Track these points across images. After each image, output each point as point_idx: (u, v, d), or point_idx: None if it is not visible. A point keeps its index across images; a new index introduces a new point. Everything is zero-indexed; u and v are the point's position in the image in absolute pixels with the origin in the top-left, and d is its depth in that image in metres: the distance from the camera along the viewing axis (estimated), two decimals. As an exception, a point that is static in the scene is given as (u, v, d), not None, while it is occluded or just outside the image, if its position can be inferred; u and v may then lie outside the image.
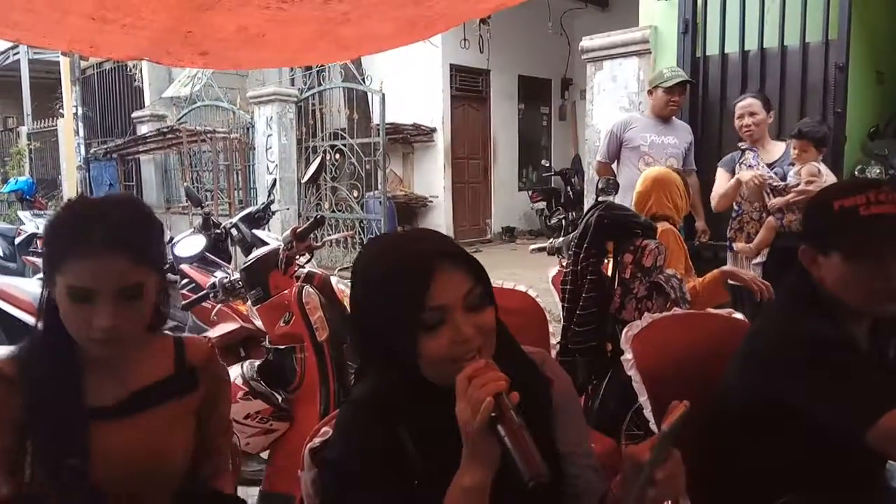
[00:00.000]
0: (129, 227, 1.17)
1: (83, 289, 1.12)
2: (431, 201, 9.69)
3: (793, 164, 3.33)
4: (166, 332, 1.36)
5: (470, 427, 0.91)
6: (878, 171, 4.34)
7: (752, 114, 3.45)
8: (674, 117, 4.08)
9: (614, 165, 4.12)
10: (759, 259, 3.43)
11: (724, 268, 2.64)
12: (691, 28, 4.50)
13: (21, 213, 7.70)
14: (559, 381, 1.14)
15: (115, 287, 1.13)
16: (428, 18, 2.16)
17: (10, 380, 1.18)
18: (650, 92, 4.05)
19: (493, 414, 0.90)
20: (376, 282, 1.03)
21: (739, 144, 3.56)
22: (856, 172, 4.44)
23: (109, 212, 1.16)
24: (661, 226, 2.54)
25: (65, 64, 10.54)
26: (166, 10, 1.84)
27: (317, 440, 1.16)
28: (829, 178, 3.26)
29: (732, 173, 3.50)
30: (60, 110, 11.90)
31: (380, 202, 7.54)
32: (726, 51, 4.41)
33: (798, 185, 3.24)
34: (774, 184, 3.35)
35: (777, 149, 3.50)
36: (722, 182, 3.53)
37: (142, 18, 1.86)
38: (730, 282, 2.63)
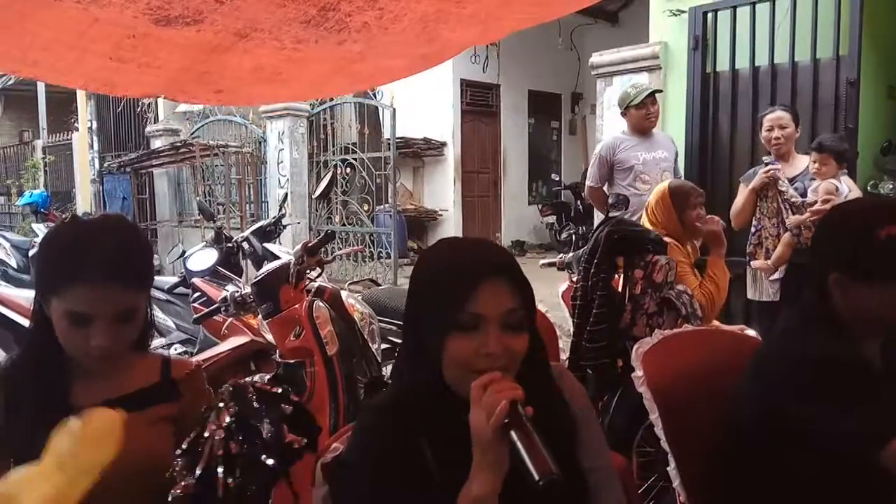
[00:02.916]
0: (123, 254, 1.22)
1: (81, 314, 1.18)
2: (441, 215, 9.70)
3: (813, 179, 3.30)
4: (156, 351, 1.44)
5: (483, 431, 0.93)
6: (890, 186, 4.31)
7: (781, 126, 3.40)
8: (655, 131, 4.09)
9: (605, 188, 4.10)
10: (776, 276, 3.39)
11: (713, 251, 2.68)
12: (701, 44, 4.50)
13: (35, 226, 7.79)
14: (576, 396, 1.16)
15: (111, 312, 1.20)
16: (437, 52, 2.18)
17: None
18: (623, 114, 4.06)
19: (505, 420, 0.92)
20: (430, 275, 1.08)
21: (763, 158, 3.52)
22: (868, 188, 4.41)
23: (103, 238, 1.22)
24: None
25: (80, 79, 10.67)
26: (182, 52, 1.87)
27: (328, 456, 1.17)
28: (852, 193, 3.21)
29: None
30: (75, 124, 12.04)
31: (390, 216, 7.57)
32: (737, 67, 4.41)
33: (815, 202, 3.20)
34: (793, 199, 3.32)
35: (801, 163, 3.45)
36: (741, 197, 3.51)
37: (158, 59, 1.89)
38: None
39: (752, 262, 3.49)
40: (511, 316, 1.02)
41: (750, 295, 3.52)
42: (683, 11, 4.57)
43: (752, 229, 3.49)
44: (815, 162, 3.26)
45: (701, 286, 2.55)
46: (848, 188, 3.22)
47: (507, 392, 0.93)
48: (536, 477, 0.88)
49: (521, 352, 1.03)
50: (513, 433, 0.92)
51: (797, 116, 3.51)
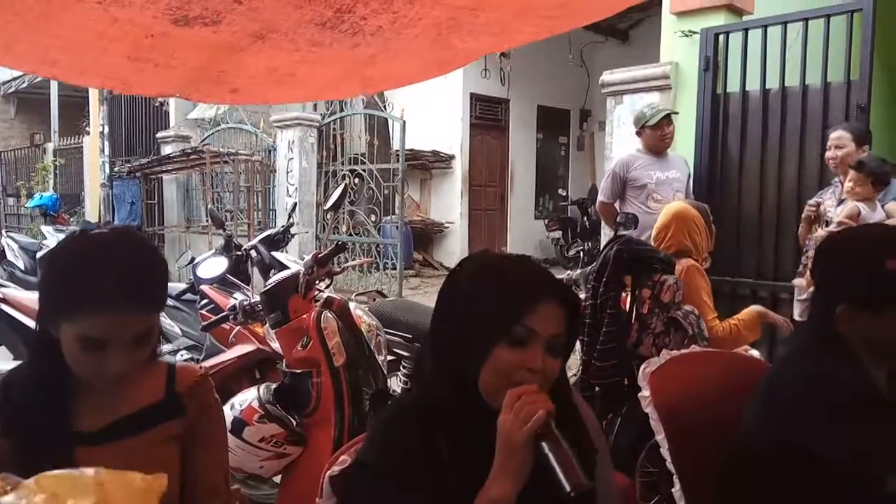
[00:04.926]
0: (140, 276, 1.16)
1: (97, 339, 1.12)
2: (448, 227, 9.74)
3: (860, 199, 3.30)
4: (161, 358, 1.36)
5: (513, 437, 0.95)
6: (900, 211, 4.31)
7: (838, 147, 3.44)
8: (669, 151, 4.13)
9: (617, 205, 4.12)
10: (804, 296, 3.39)
11: (759, 308, 2.64)
12: (712, 65, 4.52)
13: (44, 228, 7.84)
14: (587, 420, 1.17)
15: (128, 336, 1.14)
16: (449, 59, 2.20)
17: None
18: (638, 133, 4.10)
19: (538, 431, 0.94)
20: (487, 280, 1.09)
21: (833, 181, 3.57)
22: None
23: (118, 260, 1.14)
24: (685, 261, 2.53)
25: (93, 83, 10.76)
26: (200, 52, 1.89)
27: (336, 468, 1.17)
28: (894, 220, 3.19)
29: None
30: (87, 128, 12.14)
31: (397, 227, 7.59)
32: (747, 88, 4.42)
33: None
34: (828, 217, 3.35)
35: None
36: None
37: (175, 59, 1.91)
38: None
39: (794, 280, 3.53)
40: (557, 340, 1.05)
41: (796, 315, 3.53)
42: (695, 32, 4.59)
43: (804, 249, 3.53)
44: (850, 181, 3.25)
45: (722, 326, 2.54)
46: (883, 216, 3.17)
47: (542, 403, 0.96)
48: (568, 488, 0.90)
49: (554, 374, 1.06)
50: (544, 444, 0.94)
51: (860, 136, 3.47)
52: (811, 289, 3.28)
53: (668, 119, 4.01)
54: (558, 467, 0.91)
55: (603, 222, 4.77)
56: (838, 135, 3.48)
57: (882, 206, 3.24)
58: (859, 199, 3.21)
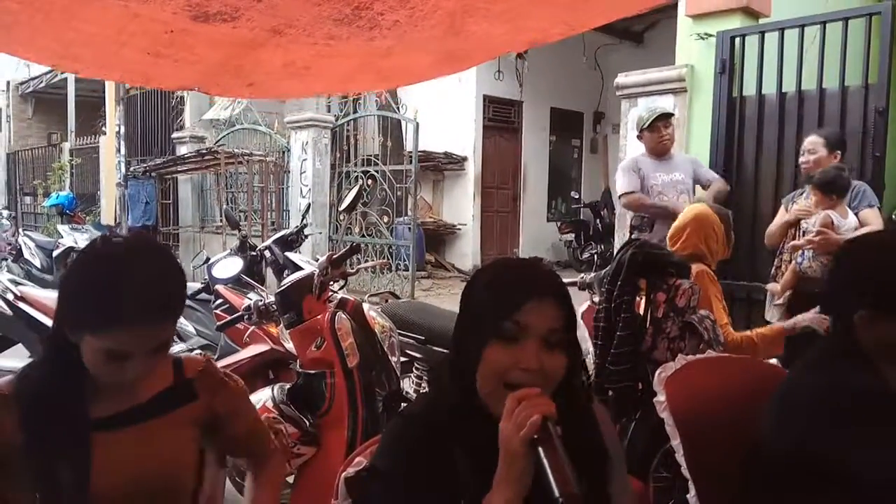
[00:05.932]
0: (162, 290, 1.19)
1: (121, 352, 1.16)
2: (460, 229, 9.73)
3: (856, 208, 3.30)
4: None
5: (512, 444, 0.94)
6: (918, 216, 4.27)
7: (810, 151, 3.46)
8: (674, 153, 4.12)
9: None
10: (780, 301, 3.38)
11: (784, 324, 2.60)
12: (728, 68, 4.49)
13: (60, 227, 7.91)
14: (605, 427, 1.17)
15: (151, 347, 1.19)
16: (465, 51, 2.21)
17: (5, 399, 1.20)
18: (639, 137, 4.11)
19: (535, 436, 0.93)
20: (481, 286, 1.11)
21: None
22: (893, 217, 4.38)
23: (138, 273, 1.16)
24: (696, 267, 2.52)
25: (109, 84, 10.86)
26: (218, 47, 1.91)
27: (351, 469, 1.17)
28: (870, 226, 3.18)
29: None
30: (103, 128, 12.25)
31: (409, 228, 7.60)
32: (763, 92, 4.39)
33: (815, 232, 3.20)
34: (804, 227, 3.33)
35: None
36: (777, 218, 3.56)
37: (195, 54, 1.93)
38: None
39: (767, 285, 3.50)
40: (553, 335, 1.03)
41: (767, 317, 3.52)
42: (711, 35, 4.56)
43: (778, 252, 3.50)
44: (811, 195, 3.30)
45: (738, 335, 2.50)
46: (856, 223, 3.17)
47: (541, 407, 0.95)
48: (557, 494, 0.89)
49: (556, 372, 1.04)
50: (540, 449, 0.93)
51: (833, 142, 3.47)
52: (787, 293, 3.30)
53: (665, 120, 3.98)
54: (551, 473, 0.91)
55: (625, 217, 4.62)
56: (811, 140, 3.50)
57: (856, 214, 3.24)
58: (821, 208, 3.21)
